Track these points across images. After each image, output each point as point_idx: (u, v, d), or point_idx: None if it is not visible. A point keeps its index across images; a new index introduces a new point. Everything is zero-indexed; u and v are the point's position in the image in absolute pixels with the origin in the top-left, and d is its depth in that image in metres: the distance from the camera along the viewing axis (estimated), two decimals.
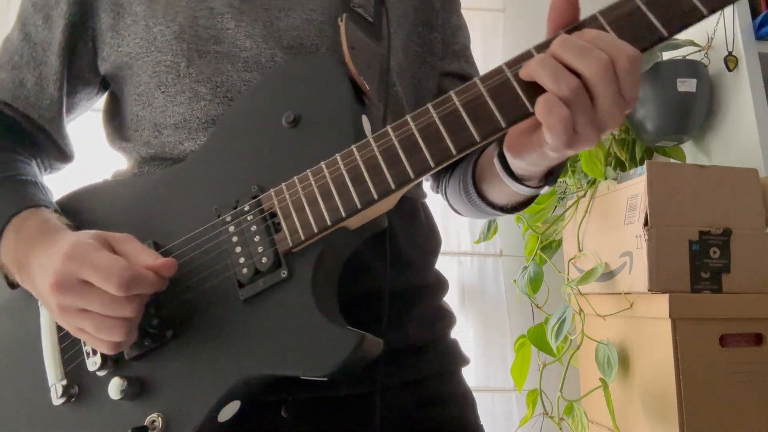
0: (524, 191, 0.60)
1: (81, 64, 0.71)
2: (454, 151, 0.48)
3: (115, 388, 0.53)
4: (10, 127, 0.69)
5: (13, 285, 0.62)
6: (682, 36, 1.69)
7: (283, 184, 0.54)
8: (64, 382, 0.56)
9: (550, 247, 1.66)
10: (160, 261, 0.51)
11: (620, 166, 1.62)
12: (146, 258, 0.51)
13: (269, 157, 0.56)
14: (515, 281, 1.67)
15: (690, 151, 1.74)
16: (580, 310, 1.44)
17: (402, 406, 0.63)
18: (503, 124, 0.48)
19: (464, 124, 0.48)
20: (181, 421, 0.51)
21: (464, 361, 0.73)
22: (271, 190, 0.54)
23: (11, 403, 0.59)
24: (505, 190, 0.63)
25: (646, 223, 1.25)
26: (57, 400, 0.56)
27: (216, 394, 0.51)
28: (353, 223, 0.52)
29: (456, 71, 0.79)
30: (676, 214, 1.26)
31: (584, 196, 1.55)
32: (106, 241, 0.53)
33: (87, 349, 0.56)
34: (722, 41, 1.62)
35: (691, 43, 1.61)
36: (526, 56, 0.48)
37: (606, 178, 1.47)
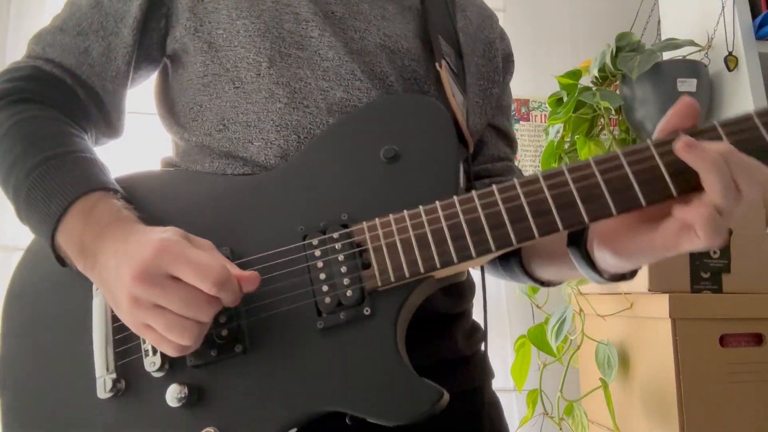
0: (602, 281, 0.61)
1: (151, 41, 0.69)
2: (560, 227, 0.49)
3: (173, 394, 0.51)
4: (66, 96, 0.66)
5: (63, 264, 0.58)
6: (682, 36, 1.69)
7: (377, 219, 0.53)
8: (114, 375, 0.54)
9: None
10: (247, 272, 0.50)
11: None
12: (230, 267, 0.49)
13: (362, 188, 0.56)
14: None
15: None
16: (580, 310, 1.44)
17: (452, 414, 0.64)
18: (643, 203, 0.48)
19: (574, 202, 0.49)
20: None
21: (492, 374, 0.76)
22: (364, 223, 0.53)
23: (51, 387, 0.56)
24: (567, 274, 0.66)
25: None
26: (104, 393, 0.53)
27: (280, 421, 0.50)
28: (441, 273, 0.52)
29: (500, 126, 0.82)
30: None
31: None
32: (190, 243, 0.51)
33: (146, 346, 0.53)
34: (722, 41, 1.62)
35: (692, 43, 1.61)
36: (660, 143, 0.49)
37: None
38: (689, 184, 0.47)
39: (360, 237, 0.53)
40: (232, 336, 0.52)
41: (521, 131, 2.57)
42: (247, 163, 0.63)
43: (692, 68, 1.57)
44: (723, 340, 1.19)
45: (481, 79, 0.78)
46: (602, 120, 1.61)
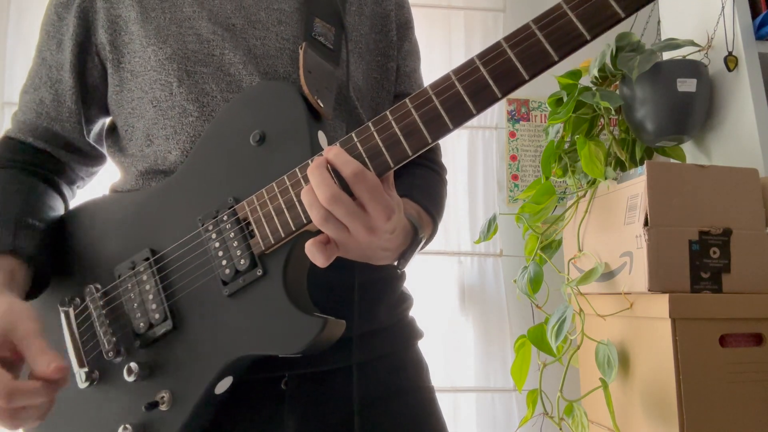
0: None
1: (93, 78, 0.80)
2: (410, 152, 0.57)
3: (128, 371, 0.65)
4: (28, 154, 0.80)
5: None
6: (682, 36, 1.69)
7: (253, 195, 0.63)
8: (86, 369, 0.67)
9: (550, 247, 1.66)
10: (52, 367, 0.55)
11: (620, 166, 1.62)
12: (41, 362, 0.55)
13: (241, 172, 0.66)
14: (515, 281, 1.67)
15: (690, 151, 1.74)
16: (580, 310, 1.44)
17: (376, 375, 0.76)
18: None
19: (397, 138, 0.58)
20: (185, 395, 0.63)
21: (420, 334, 0.86)
22: (244, 201, 0.64)
23: None
24: None
25: (646, 223, 1.25)
26: (82, 384, 0.67)
27: (212, 372, 0.62)
28: (314, 226, 0.59)
29: (404, 91, 0.89)
30: (676, 214, 1.26)
31: (584, 196, 1.55)
32: (7, 338, 0.57)
33: (103, 341, 0.67)
34: (722, 41, 1.62)
35: (691, 43, 1.61)
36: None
37: (606, 178, 1.47)
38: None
39: (243, 213, 0.64)
40: (162, 317, 0.65)
41: (521, 131, 2.57)
42: (167, 174, 0.73)
43: (692, 68, 1.57)
44: (723, 340, 1.19)
45: (378, 55, 0.86)
46: (602, 120, 1.61)
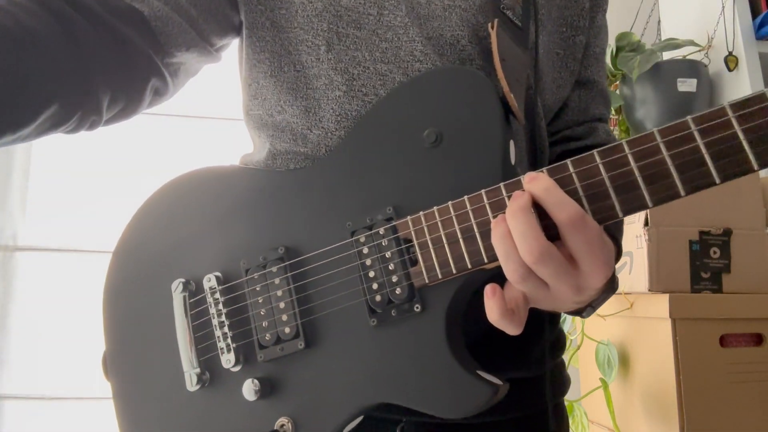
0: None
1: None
2: (619, 213, 0.44)
3: (249, 389, 0.55)
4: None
5: None
6: (682, 36, 1.69)
7: (421, 213, 0.51)
8: (198, 370, 0.58)
9: None
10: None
11: None
12: None
13: (406, 177, 0.54)
14: None
15: None
16: None
17: None
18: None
19: (636, 183, 0.43)
20: (311, 428, 0.54)
21: (569, 384, 0.72)
22: (409, 217, 0.52)
23: (148, 379, 0.61)
24: None
25: (646, 223, 1.25)
26: (192, 387, 0.58)
27: (349, 410, 0.53)
28: (494, 263, 0.49)
29: (590, 77, 0.73)
30: (676, 214, 1.26)
31: None
32: None
33: (221, 345, 0.57)
34: (722, 41, 1.62)
35: (692, 43, 1.61)
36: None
37: None
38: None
39: (405, 232, 0.52)
40: (293, 333, 0.55)
41: None
42: (308, 157, 0.62)
43: (692, 68, 1.57)
44: (723, 340, 1.19)
45: (564, 25, 0.69)
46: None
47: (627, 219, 1.43)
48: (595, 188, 0.44)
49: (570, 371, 1.43)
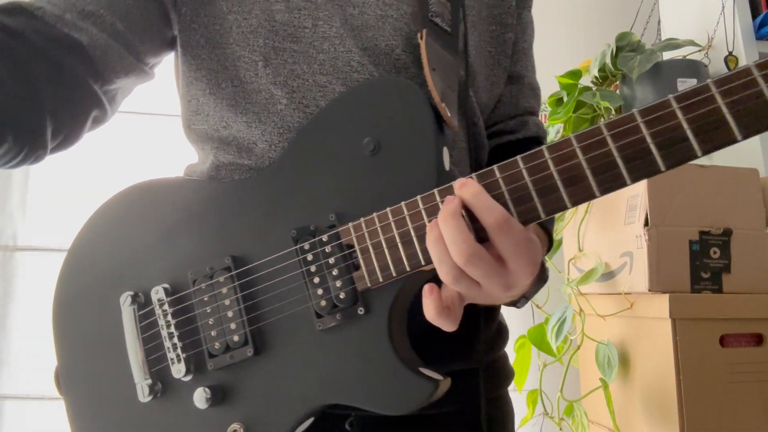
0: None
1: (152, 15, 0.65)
2: (568, 204, 0.46)
3: (200, 397, 0.56)
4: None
5: None
6: (682, 36, 1.69)
7: (362, 219, 0.53)
8: (149, 381, 0.59)
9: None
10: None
11: None
12: None
13: (347, 185, 0.56)
14: None
15: None
16: (580, 310, 1.44)
17: (457, 428, 0.64)
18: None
19: (555, 186, 0.47)
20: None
21: (512, 375, 0.73)
22: (350, 224, 0.54)
23: (101, 392, 0.62)
24: None
25: (646, 223, 1.25)
26: (144, 398, 0.59)
27: (298, 413, 0.55)
28: (431, 265, 0.51)
29: (519, 72, 0.75)
30: (676, 214, 1.26)
31: None
32: None
33: (171, 356, 0.59)
34: (722, 41, 1.62)
35: (691, 43, 1.61)
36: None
37: None
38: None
39: (347, 238, 0.54)
40: (242, 341, 0.57)
41: None
42: (253, 170, 0.63)
43: (692, 68, 1.57)
44: (723, 340, 1.19)
45: (493, 23, 0.71)
46: (602, 120, 1.61)
47: (627, 219, 1.42)
48: (520, 192, 0.47)
49: (570, 371, 1.43)
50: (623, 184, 0.45)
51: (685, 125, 0.43)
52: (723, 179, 1.30)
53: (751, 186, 1.30)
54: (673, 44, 1.59)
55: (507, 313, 2.34)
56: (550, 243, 0.69)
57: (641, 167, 0.44)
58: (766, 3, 1.66)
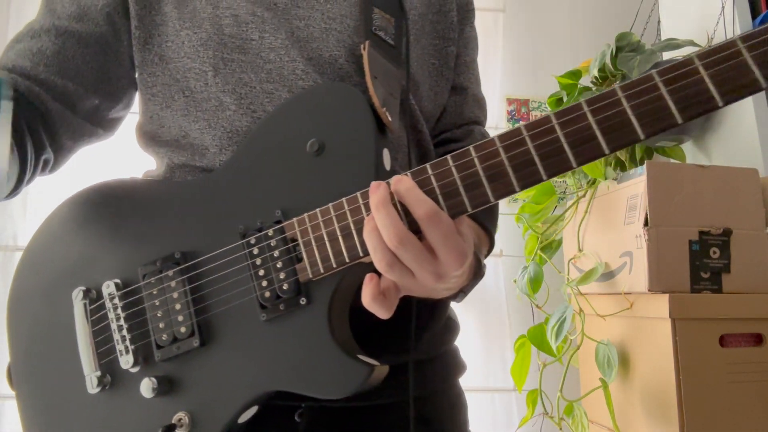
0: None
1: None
2: (492, 198, 0.51)
3: (147, 387, 0.58)
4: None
5: None
6: (682, 36, 1.69)
7: (305, 214, 0.57)
8: (98, 373, 0.61)
9: (550, 247, 1.66)
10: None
11: (620, 166, 1.62)
12: None
13: (293, 183, 0.59)
14: (515, 281, 1.67)
15: (690, 151, 1.74)
16: (580, 310, 1.44)
17: (406, 418, 0.65)
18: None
19: (480, 182, 0.51)
20: (206, 420, 0.58)
21: (463, 368, 0.76)
22: (294, 219, 0.57)
23: (48, 386, 0.64)
24: None
25: (646, 223, 1.25)
26: (93, 389, 0.61)
27: (241, 401, 0.57)
28: (369, 258, 0.55)
29: (462, 84, 0.80)
30: (676, 214, 1.26)
31: (584, 196, 1.55)
32: None
33: (120, 347, 0.61)
34: (722, 41, 1.62)
35: (691, 43, 1.61)
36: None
37: (606, 178, 1.48)
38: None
39: (291, 232, 0.57)
40: (188, 332, 0.59)
41: None
42: (205, 171, 0.67)
43: None
44: (723, 340, 1.19)
45: (437, 38, 0.76)
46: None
47: (627, 219, 1.43)
48: (449, 187, 0.51)
49: (570, 371, 1.43)
50: (540, 180, 0.50)
51: (594, 126, 0.48)
52: (723, 179, 1.30)
53: (751, 186, 1.30)
54: (672, 44, 1.59)
55: (507, 313, 2.35)
56: (491, 244, 0.74)
57: (555, 164, 0.49)
58: (765, 3, 1.66)
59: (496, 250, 2.25)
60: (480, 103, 0.83)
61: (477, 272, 0.62)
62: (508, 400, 2.07)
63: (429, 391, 0.68)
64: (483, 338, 2.15)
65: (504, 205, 2.39)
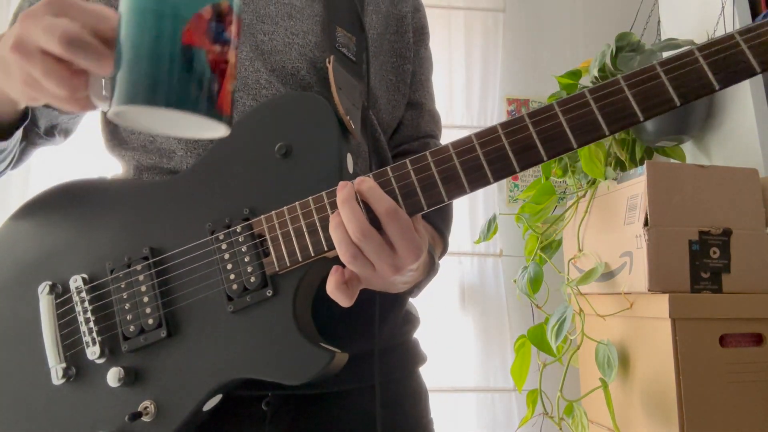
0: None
1: None
2: (445, 198, 0.56)
3: (113, 376, 0.60)
4: None
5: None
6: (682, 36, 1.69)
7: (273, 212, 0.61)
8: (63, 365, 0.62)
9: (550, 247, 1.66)
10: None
11: (620, 166, 1.62)
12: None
13: (261, 183, 0.63)
14: (515, 281, 1.67)
15: (690, 151, 1.74)
16: (580, 310, 1.44)
17: (369, 405, 0.69)
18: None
19: (435, 183, 0.57)
20: (171, 408, 0.60)
21: (423, 359, 0.80)
22: (262, 216, 0.61)
23: (12, 381, 0.65)
24: None
25: (646, 223, 1.25)
26: (57, 381, 0.62)
27: (206, 388, 0.59)
28: (333, 252, 0.59)
29: (418, 100, 0.86)
30: (676, 214, 1.26)
31: (584, 196, 1.55)
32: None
33: (86, 339, 0.63)
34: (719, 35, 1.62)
35: (691, 43, 1.61)
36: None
37: (606, 178, 1.48)
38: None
39: (259, 228, 0.61)
40: (155, 323, 0.61)
41: None
42: (173, 173, 0.70)
43: None
44: (723, 340, 1.19)
45: (394, 56, 0.83)
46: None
47: (627, 219, 1.43)
48: (407, 188, 0.57)
49: (570, 371, 1.43)
50: (488, 182, 0.55)
51: (534, 136, 0.54)
52: (723, 179, 1.30)
53: (751, 186, 1.30)
54: (672, 44, 1.59)
55: (507, 313, 2.34)
56: (445, 246, 0.80)
57: (502, 168, 0.55)
58: (765, 3, 1.66)
59: (496, 250, 2.25)
60: (435, 118, 0.89)
61: (431, 269, 0.68)
62: (508, 400, 2.07)
63: (390, 378, 0.73)
64: (483, 338, 2.15)
65: (504, 205, 2.39)
